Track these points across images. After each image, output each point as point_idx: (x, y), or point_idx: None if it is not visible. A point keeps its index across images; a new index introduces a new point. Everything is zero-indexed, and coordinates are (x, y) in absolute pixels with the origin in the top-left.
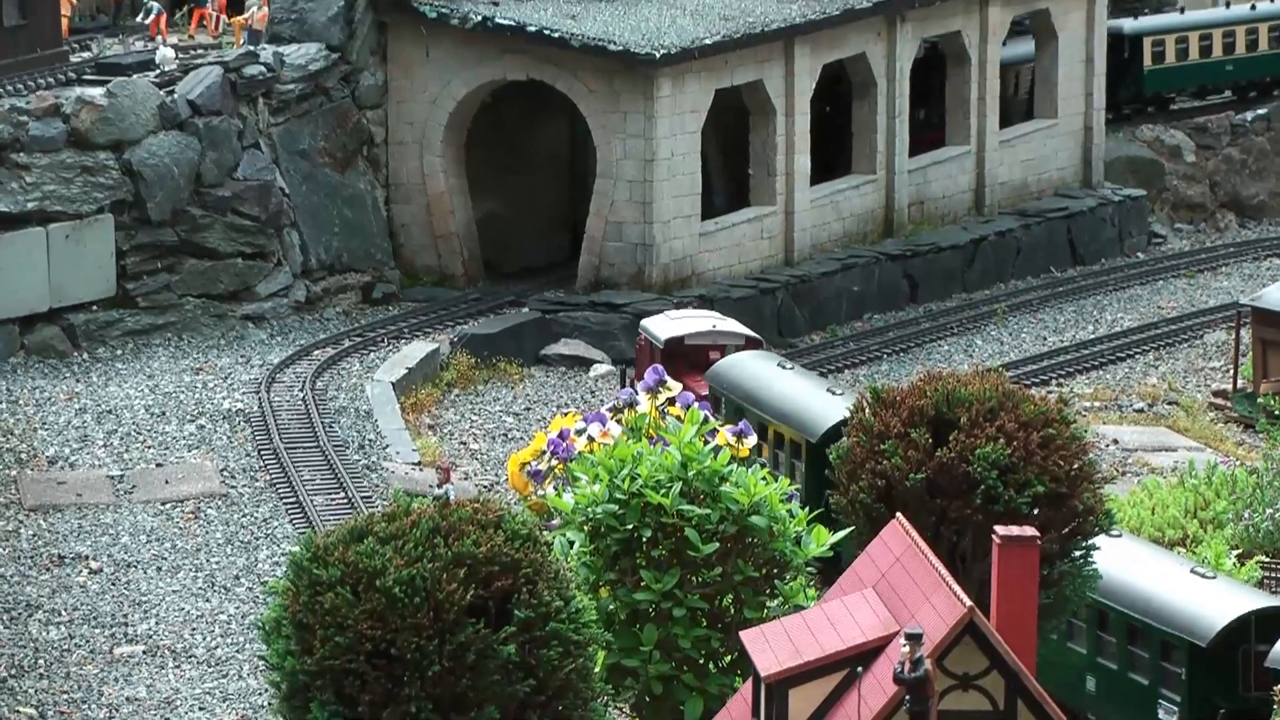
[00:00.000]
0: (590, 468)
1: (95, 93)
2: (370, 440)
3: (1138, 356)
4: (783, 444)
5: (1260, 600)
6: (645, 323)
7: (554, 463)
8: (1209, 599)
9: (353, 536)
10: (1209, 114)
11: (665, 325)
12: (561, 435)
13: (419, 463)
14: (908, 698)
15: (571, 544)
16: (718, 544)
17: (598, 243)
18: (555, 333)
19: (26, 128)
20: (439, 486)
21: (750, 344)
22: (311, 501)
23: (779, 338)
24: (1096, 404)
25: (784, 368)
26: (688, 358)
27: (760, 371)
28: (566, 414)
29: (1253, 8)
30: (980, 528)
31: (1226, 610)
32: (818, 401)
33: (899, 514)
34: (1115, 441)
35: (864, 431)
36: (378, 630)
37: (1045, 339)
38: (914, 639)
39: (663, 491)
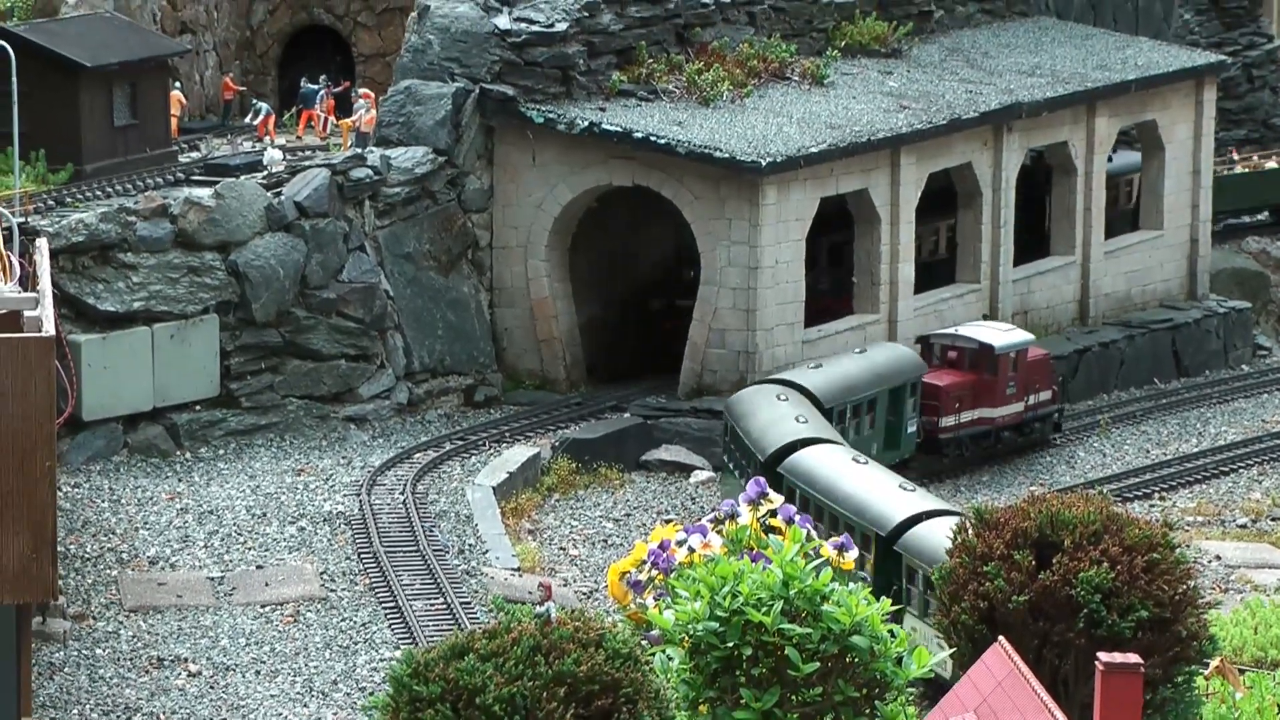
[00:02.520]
0: (691, 584)
1: (203, 193)
2: (470, 545)
3: (1241, 471)
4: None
5: None
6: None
7: (654, 573)
8: None
9: (453, 653)
10: None
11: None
12: (662, 546)
13: (519, 568)
14: None
15: (671, 660)
16: (818, 663)
17: (700, 349)
18: (656, 439)
19: (134, 228)
20: (540, 604)
21: (983, 350)
22: (411, 607)
23: None
24: (1199, 519)
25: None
26: (933, 352)
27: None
28: (668, 522)
29: (1110, 160)
30: (1083, 652)
31: None
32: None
33: (1001, 637)
34: (1218, 558)
35: (967, 552)
36: None
37: (1148, 451)
38: None
39: (764, 610)
